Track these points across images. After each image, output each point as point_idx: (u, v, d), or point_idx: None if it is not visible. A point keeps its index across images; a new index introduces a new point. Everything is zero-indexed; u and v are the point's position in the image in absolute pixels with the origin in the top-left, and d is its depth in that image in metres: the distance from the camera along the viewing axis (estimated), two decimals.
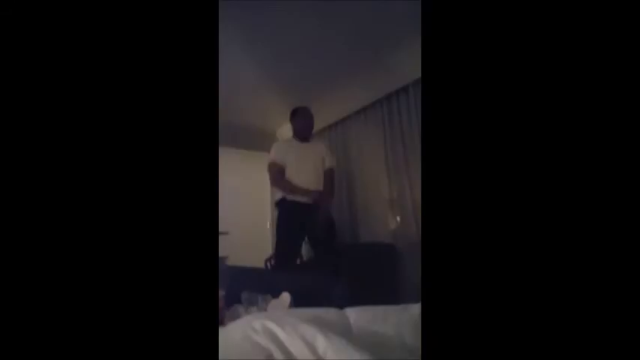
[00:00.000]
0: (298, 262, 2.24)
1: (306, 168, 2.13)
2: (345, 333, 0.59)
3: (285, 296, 1.31)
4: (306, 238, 2.21)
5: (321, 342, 0.51)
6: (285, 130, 3.40)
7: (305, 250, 2.34)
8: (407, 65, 2.17)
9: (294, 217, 2.07)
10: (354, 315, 0.67)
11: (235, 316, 1.05)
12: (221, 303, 1.13)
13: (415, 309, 0.72)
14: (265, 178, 2.26)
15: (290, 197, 2.10)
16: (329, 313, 0.66)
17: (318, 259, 2.15)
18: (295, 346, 0.52)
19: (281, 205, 2.14)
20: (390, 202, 2.40)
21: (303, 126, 2.22)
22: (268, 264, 2.21)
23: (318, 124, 2.92)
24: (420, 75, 1.94)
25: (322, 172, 2.19)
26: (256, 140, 3.43)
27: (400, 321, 0.66)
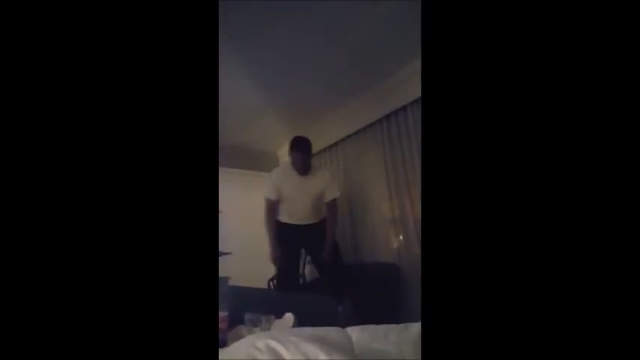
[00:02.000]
0: (301, 281, 2.23)
1: (302, 202, 2.15)
2: (347, 351, 0.60)
3: (289, 317, 1.30)
4: (308, 259, 2.22)
5: None
6: (287, 151, 3.45)
7: (308, 271, 2.33)
8: (405, 85, 2.23)
9: (288, 239, 2.15)
10: (356, 334, 0.67)
11: (238, 337, 1.05)
12: (224, 324, 1.12)
13: (416, 327, 0.73)
14: None
15: (284, 220, 2.17)
16: (331, 332, 0.66)
17: (324, 280, 2.15)
18: None
19: (275, 227, 2.18)
20: (392, 221, 2.40)
21: (299, 161, 2.10)
22: (271, 284, 2.20)
23: (319, 145, 2.96)
24: (419, 95, 2.01)
25: (322, 204, 2.18)
26: (258, 161, 3.47)
27: (401, 339, 0.66)
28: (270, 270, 2.24)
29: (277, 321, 1.30)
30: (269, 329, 1.22)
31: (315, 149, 2.58)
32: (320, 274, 2.24)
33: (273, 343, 0.56)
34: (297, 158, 2.08)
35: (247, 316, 1.28)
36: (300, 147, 2.09)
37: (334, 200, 2.18)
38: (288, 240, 2.14)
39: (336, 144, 2.95)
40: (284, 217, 2.20)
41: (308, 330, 0.65)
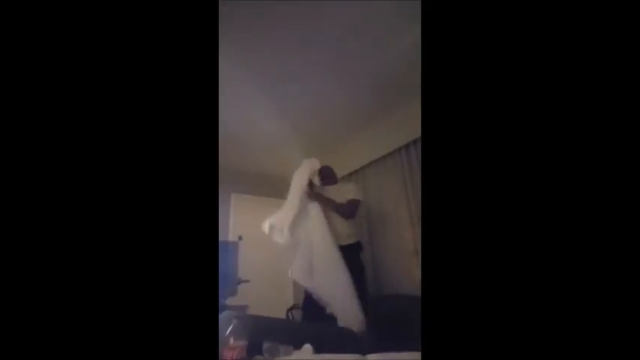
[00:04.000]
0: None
1: None
2: None
3: (307, 348, 1.26)
4: None
5: None
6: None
7: None
8: None
9: None
10: None
11: None
12: (243, 353, 1.10)
13: None
14: None
15: None
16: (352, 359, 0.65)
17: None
18: None
19: None
20: (415, 251, 2.34)
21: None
22: (290, 314, 2.15)
23: (340, 172, 2.97)
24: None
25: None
26: (279, 188, 3.50)
27: None
28: (289, 298, 2.20)
29: (296, 352, 1.27)
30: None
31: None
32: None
33: None
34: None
35: (265, 346, 1.25)
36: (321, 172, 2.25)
37: (353, 200, 2.15)
38: None
39: (356, 171, 2.95)
40: None
41: (329, 357, 0.64)
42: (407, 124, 2.43)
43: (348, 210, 2.10)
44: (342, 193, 2.17)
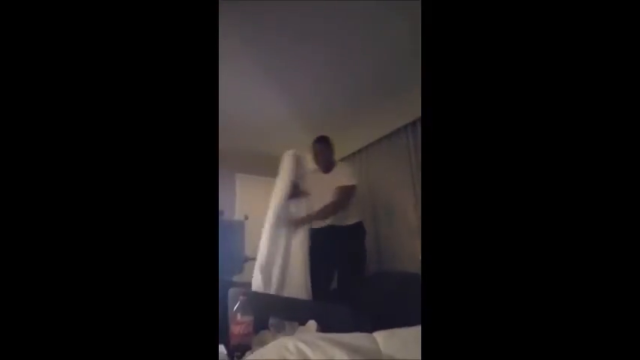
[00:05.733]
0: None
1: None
2: (375, 358, 0.60)
3: (312, 324, 1.30)
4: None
5: None
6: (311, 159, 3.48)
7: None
8: None
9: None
10: (383, 339, 0.67)
11: (262, 343, 1.06)
12: (249, 328, 1.14)
13: None
14: None
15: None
16: (359, 338, 0.66)
17: (343, 289, 2.11)
18: None
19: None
20: (418, 230, 2.36)
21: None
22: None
23: (343, 152, 2.97)
24: None
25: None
26: None
27: None
28: None
29: (301, 327, 1.31)
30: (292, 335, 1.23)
31: (339, 156, 2.57)
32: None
33: (302, 345, 0.59)
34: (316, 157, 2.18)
35: (271, 321, 1.29)
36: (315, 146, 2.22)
37: (345, 187, 2.04)
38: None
39: (360, 151, 2.94)
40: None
41: (337, 335, 0.66)
42: (412, 102, 2.39)
43: (339, 203, 2.00)
44: (335, 179, 2.08)
